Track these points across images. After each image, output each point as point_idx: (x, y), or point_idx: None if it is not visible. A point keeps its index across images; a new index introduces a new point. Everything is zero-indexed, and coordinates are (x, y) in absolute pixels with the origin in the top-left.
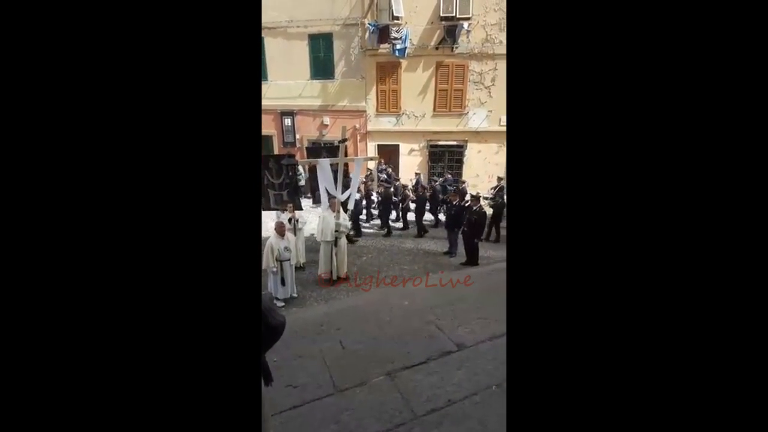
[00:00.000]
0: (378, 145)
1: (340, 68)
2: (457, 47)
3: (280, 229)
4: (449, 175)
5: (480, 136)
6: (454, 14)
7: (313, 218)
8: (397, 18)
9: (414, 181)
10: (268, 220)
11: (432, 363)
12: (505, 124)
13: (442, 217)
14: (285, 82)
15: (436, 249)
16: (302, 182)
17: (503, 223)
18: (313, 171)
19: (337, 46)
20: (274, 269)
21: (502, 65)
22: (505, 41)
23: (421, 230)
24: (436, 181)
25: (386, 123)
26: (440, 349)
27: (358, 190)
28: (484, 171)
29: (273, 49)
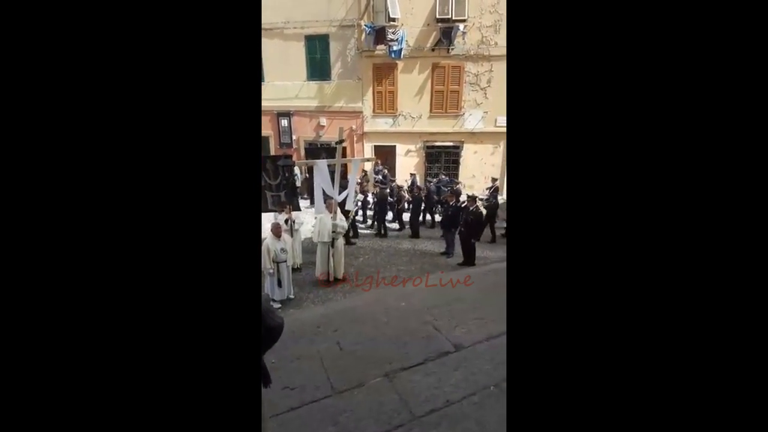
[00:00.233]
0: (375, 146)
1: (336, 69)
2: (453, 49)
3: (276, 231)
4: (443, 176)
5: (476, 137)
6: (449, 16)
7: (309, 219)
8: (394, 20)
9: (409, 182)
10: (265, 221)
11: (430, 364)
12: (501, 125)
13: (437, 217)
14: (282, 83)
15: (432, 249)
16: (299, 183)
17: (498, 224)
18: (311, 172)
19: (334, 47)
20: (271, 271)
21: (497, 67)
22: (500, 43)
23: (417, 231)
24: (431, 182)
25: (383, 124)
26: (438, 349)
27: (355, 191)
28: (480, 172)
29: (269, 50)
